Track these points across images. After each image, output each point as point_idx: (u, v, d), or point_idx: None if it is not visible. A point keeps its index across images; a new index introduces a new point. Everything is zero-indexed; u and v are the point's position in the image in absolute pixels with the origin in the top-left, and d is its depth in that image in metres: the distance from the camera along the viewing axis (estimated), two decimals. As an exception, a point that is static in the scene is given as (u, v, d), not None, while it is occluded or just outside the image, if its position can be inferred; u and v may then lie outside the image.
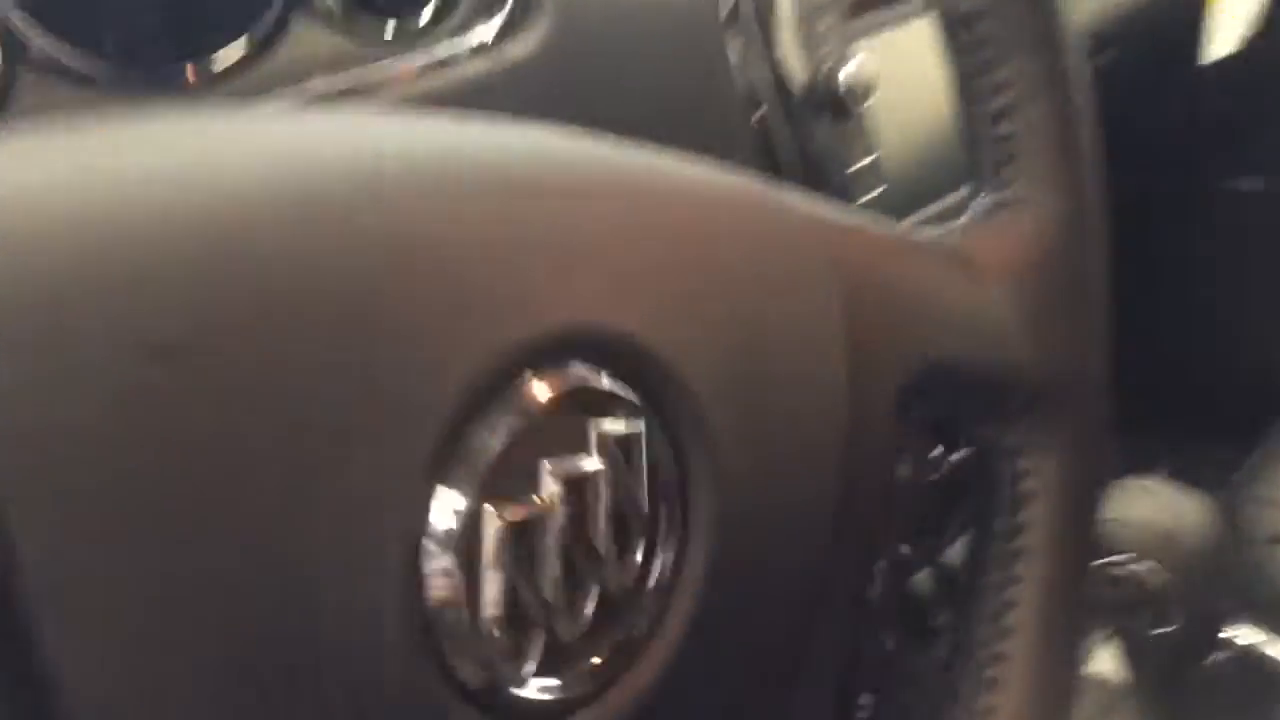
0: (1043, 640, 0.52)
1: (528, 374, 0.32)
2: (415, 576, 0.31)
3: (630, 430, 0.35)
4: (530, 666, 0.33)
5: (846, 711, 0.51)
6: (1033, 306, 0.50)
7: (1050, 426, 0.51)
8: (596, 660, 0.35)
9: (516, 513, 0.32)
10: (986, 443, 0.53)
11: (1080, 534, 0.53)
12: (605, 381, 0.34)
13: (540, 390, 0.33)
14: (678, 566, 0.36)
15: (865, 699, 0.52)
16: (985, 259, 0.50)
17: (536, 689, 0.34)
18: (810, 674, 0.44)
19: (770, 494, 0.39)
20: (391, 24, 0.51)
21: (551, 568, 0.33)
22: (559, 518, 0.33)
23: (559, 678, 0.34)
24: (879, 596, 0.52)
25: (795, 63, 0.61)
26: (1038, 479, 0.51)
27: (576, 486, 0.34)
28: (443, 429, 0.31)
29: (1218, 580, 0.92)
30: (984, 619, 0.52)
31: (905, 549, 0.53)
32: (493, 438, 0.32)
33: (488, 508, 0.32)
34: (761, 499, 0.38)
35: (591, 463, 0.34)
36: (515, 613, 0.33)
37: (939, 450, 0.63)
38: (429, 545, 0.31)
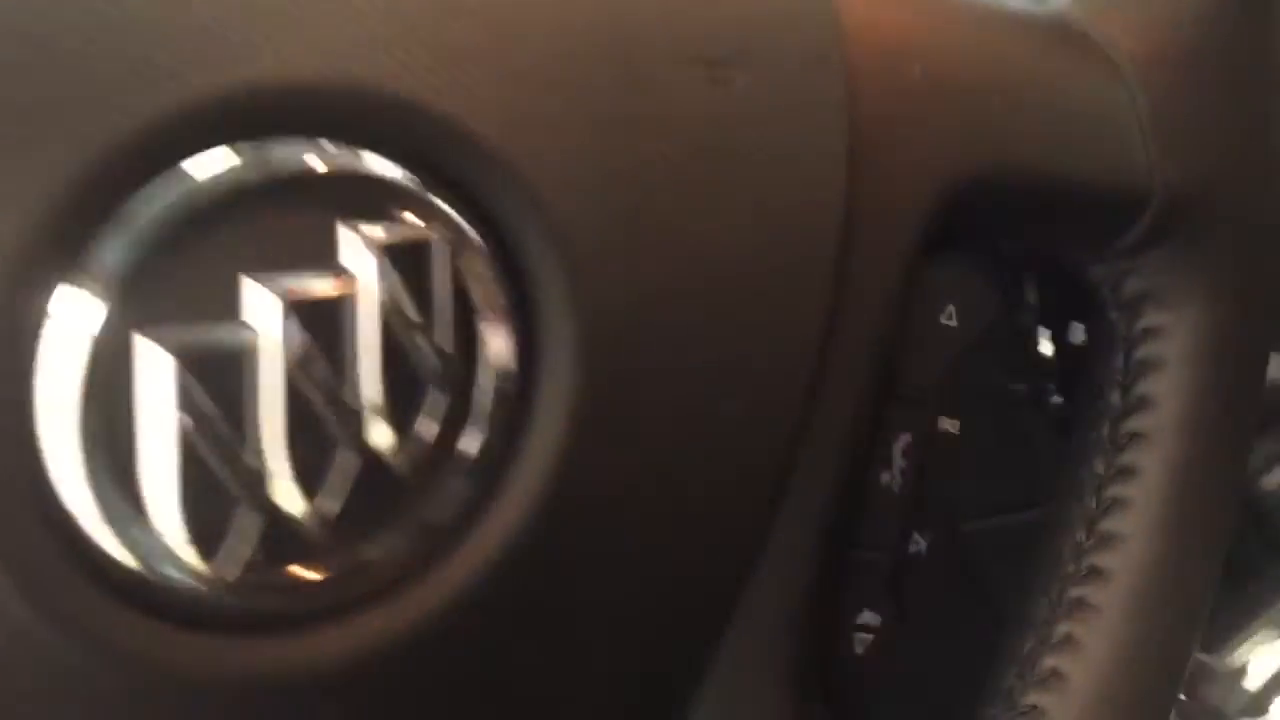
0: (1158, 564, 0.39)
1: (233, 147, 0.25)
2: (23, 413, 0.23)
3: (413, 237, 0.27)
4: (234, 555, 0.26)
5: (831, 636, 0.39)
6: (1168, 95, 0.39)
7: (1186, 268, 0.38)
8: (363, 555, 0.27)
9: (194, 340, 0.25)
10: (1092, 288, 0.40)
11: (1227, 419, 0.42)
12: (372, 164, 0.26)
13: (250, 168, 0.25)
14: (512, 440, 0.29)
15: (869, 617, 0.39)
16: (1104, 30, 0.39)
17: (239, 587, 0.26)
18: (761, 596, 0.35)
19: (687, 355, 0.31)
20: None
21: (266, 421, 0.26)
22: (275, 350, 0.25)
23: (281, 575, 0.27)
24: (900, 483, 0.39)
25: None
26: (1166, 340, 0.38)
27: (310, 311, 0.26)
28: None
29: None
30: (1075, 524, 0.39)
31: (949, 423, 0.39)
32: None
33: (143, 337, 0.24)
34: (671, 362, 0.31)
35: (339, 282, 0.26)
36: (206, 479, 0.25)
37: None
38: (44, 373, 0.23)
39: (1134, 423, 0.42)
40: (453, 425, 0.29)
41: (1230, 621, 0.80)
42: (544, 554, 0.30)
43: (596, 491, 0.31)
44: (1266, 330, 0.42)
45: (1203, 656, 0.79)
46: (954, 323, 0.39)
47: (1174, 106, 0.39)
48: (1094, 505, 0.42)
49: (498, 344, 0.29)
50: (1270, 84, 0.41)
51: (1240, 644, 0.80)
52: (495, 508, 0.30)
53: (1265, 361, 0.43)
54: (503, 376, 0.29)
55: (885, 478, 0.38)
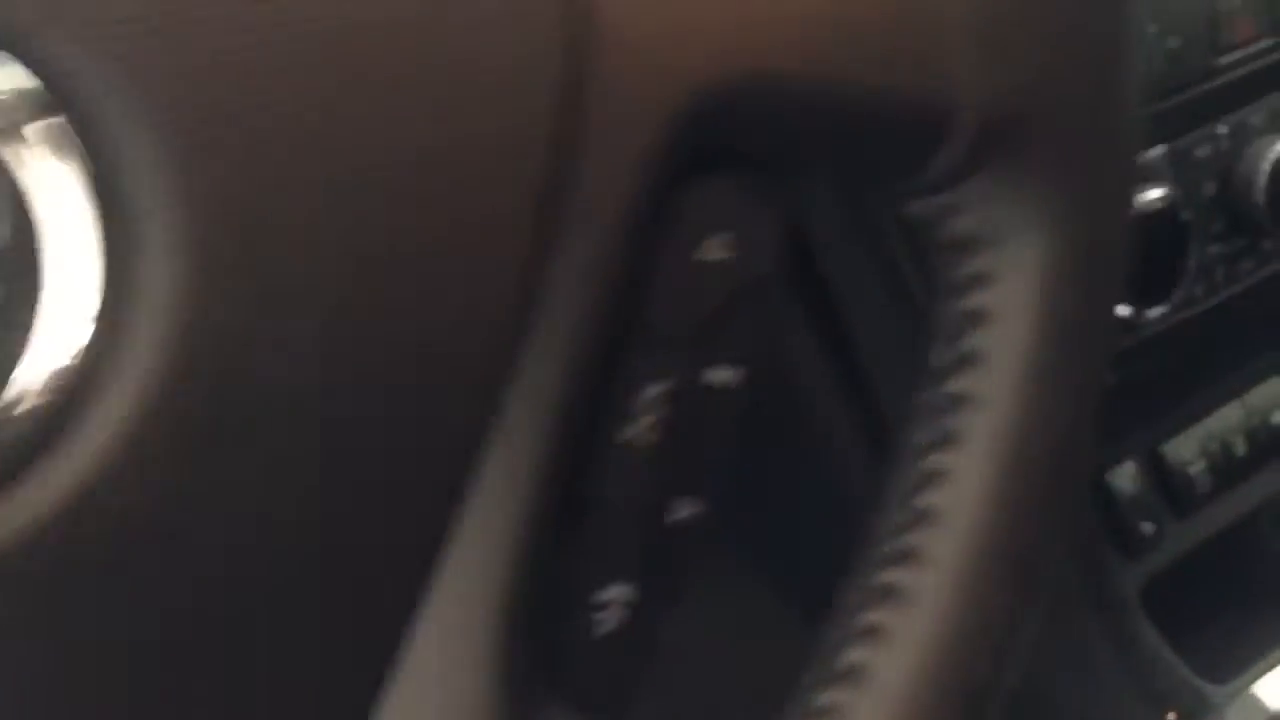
0: (983, 549, 0.34)
1: None
2: None
3: None
4: None
5: (569, 612, 0.34)
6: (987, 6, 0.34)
7: (1012, 200, 0.33)
8: None
9: None
10: (916, 228, 0.35)
11: (1067, 379, 0.37)
12: None
13: None
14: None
15: (617, 591, 0.34)
16: None
17: None
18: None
19: (344, 267, 0.28)
20: None
21: None
22: None
23: None
24: (651, 439, 0.34)
25: None
26: (995, 287, 0.33)
27: None
28: None
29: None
30: (891, 499, 0.34)
31: (723, 375, 0.34)
32: None
33: None
34: (320, 279, 0.27)
35: None
36: None
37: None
38: None
39: (958, 383, 0.36)
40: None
41: (1246, 651, 0.73)
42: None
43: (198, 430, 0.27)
44: (1111, 272, 0.36)
45: (1210, 688, 0.72)
46: (722, 257, 0.34)
47: (988, 11, 0.34)
48: (912, 477, 0.37)
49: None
50: None
51: (1260, 674, 0.73)
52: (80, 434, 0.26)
53: (1111, 308, 0.37)
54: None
55: (630, 432, 0.33)
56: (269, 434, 0.28)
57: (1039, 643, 0.40)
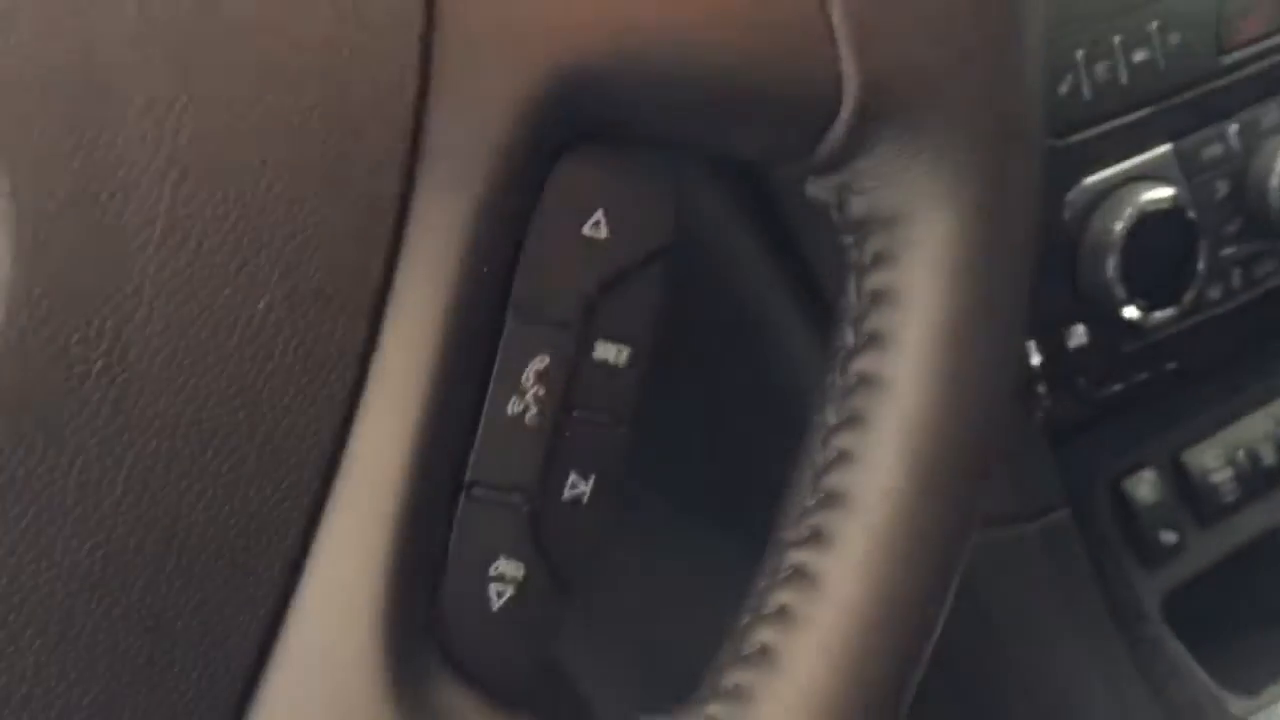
0: (889, 530, 0.34)
1: None
2: None
3: None
4: None
5: (456, 587, 0.34)
6: None
7: (907, 177, 0.33)
8: None
9: None
10: (820, 209, 0.35)
11: (974, 359, 0.36)
12: None
13: None
14: None
15: (506, 566, 0.34)
16: None
17: None
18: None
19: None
20: None
21: None
22: None
23: None
24: (535, 414, 0.34)
25: None
26: (897, 265, 0.33)
27: None
28: None
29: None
30: (803, 480, 0.34)
31: (611, 350, 0.34)
32: None
33: None
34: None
35: None
36: None
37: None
38: None
39: (864, 363, 0.36)
40: None
41: (1272, 664, 0.71)
42: None
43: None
44: (1015, 248, 0.36)
45: (1235, 702, 0.70)
46: (603, 234, 0.34)
47: None
48: (820, 458, 0.36)
49: None
50: None
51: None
52: None
53: (1019, 286, 0.36)
54: None
55: (514, 406, 0.34)
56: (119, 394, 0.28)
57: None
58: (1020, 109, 0.35)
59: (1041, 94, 0.36)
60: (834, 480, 0.36)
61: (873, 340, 0.35)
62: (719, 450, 0.66)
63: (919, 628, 0.35)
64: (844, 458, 0.35)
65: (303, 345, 0.30)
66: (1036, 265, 0.37)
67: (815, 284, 0.57)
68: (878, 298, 0.35)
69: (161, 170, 0.29)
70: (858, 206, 0.35)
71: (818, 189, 0.36)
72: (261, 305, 0.30)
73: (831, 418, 0.36)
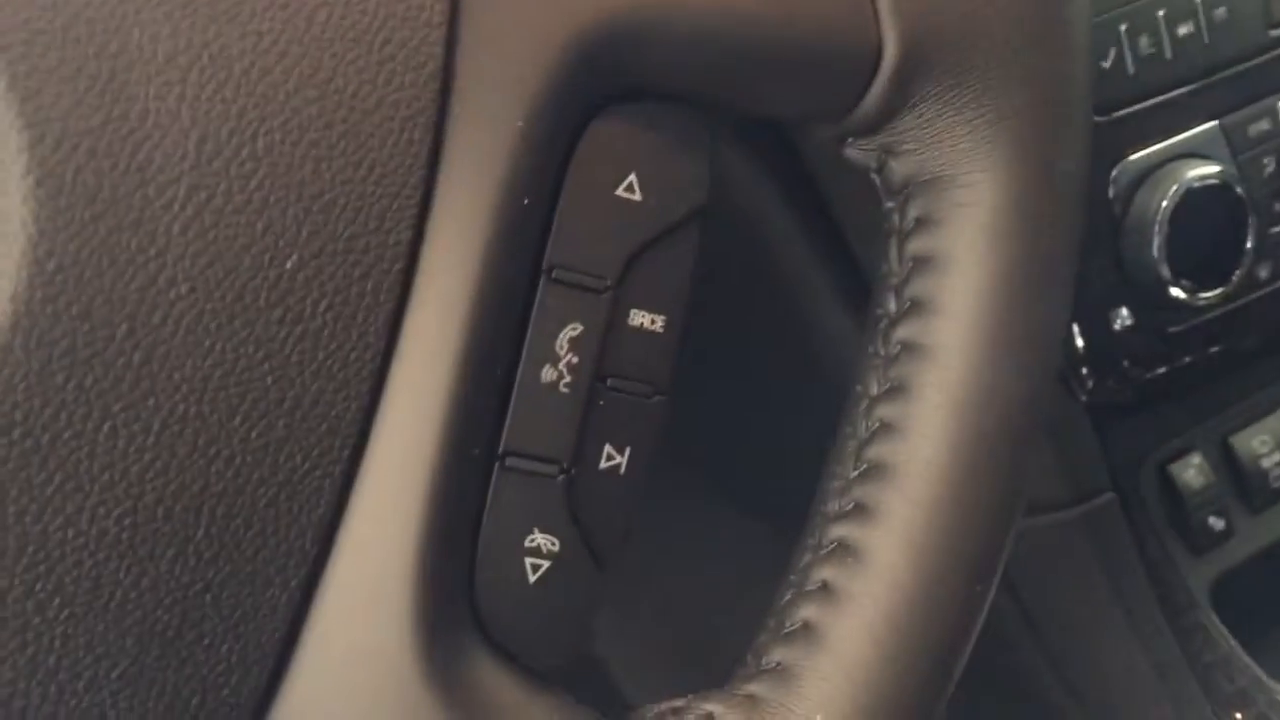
0: (934, 503, 0.33)
1: None
2: None
3: None
4: None
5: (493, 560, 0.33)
6: None
7: (949, 137, 0.32)
8: None
9: None
10: (860, 173, 0.34)
11: (1021, 325, 0.35)
12: None
13: None
14: None
15: (540, 539, 0.34)
16: None
17: None
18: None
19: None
20: None
21: None
22: None
23: None
24: (569, 382, 0.33)
25: None
26: (940, 229, 0.32)
27: None
28: None
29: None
30: (844, 452, 0.34)
31: (647, 318, 0.33)
32: None
33: None
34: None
35: None
36: None
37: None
38: None
39: (906, 330, 0.35)
40: None
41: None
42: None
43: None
44: (1066, 209, 0.35)
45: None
46: (636, 195, 0.33)
47: None
48: (863, 429, 0.35)
49: None
50: None
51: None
52: None
53: (1069, 249, 0.35)
54: None
55: (548, 374, 0.33)
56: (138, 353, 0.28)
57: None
58: (1069, 65, 0.34)
59: (1090, 52, 0.34)
60: (877, 451, 0.35)
61: (916, 306, 0.34)
62: (748, 423, 0.65)
63: (966, 604, 0.34)
64: (887, 428, 0.34)
65: (331, 308, 0.30)
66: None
67: (847, 251, 0.56)
68: (921, 263, 0.34)
69: (185, 127, 0.28)
70: (899, 169, 0.34)
71: (856, 152, 0.35)
72: (289, 265, 0.29)
73: (874, 387, 0.35)
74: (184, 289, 0.28)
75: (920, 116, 0.33)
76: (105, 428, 0.28)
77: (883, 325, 0.35)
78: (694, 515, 0.67)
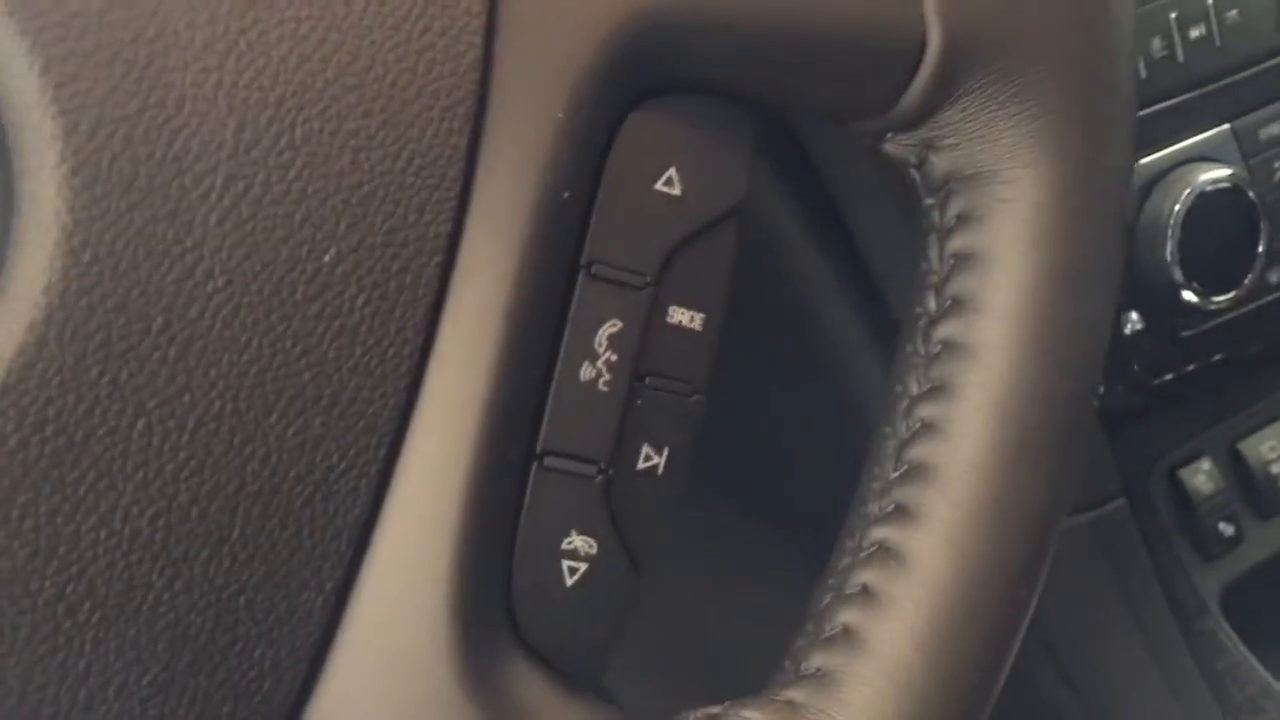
0: (977, 505, 0.32)
1: None
2: None
3: None
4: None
5: (532, 563, 0.32)
6: None
7: (992, 132, 0.32)
8: None
9: None
10: (899, 169, 0.34)
11: (1065, 323, 0.34)
12: None
13: None
14: None
15: (579, 542, 0.33)
16: None
17: None
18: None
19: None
20: None
21: None
22: None
23: None
24: (608, 380, 0.33)
25: None
26: (982, 226, 0.32)
27: None
28: None
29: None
30: (884, 454, 0.33)
31: (685, 315, 0.33)
32: None
33: None
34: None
35: None
36: None
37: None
38: None
39: (948, 329, 0.34)
40: None
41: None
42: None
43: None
44: (1113, 201, 0.34)
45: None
46: (676, 190, 0.32)
47: None
48: (903, 430, 0.35)
49: None
50: None
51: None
52: None
53: (1113, 247, 0.34)
54: None
55: (586, 372, 0.32)
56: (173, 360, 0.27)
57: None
58: (1113, 63, 0.33)
59: (1134, 51, 0.34)
60: (918, 452, 0.34)
61: (957, 305, 0.34)
62: (751, 423, 0.64)
63: (1011, 609, 0.34)
64: (929, 429, 0.34)
65: (369, 302, 0.29)
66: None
67: (854, 252, 0.56)
68: (962, 260, 0.34)
69: (221, 116, 0.27)
70: (940, 164, 0.34)
71: (896, 147, 0.34)
72: (327, 258, 0.28)
73: (914, 387, 0.35)
74: (220, 282, 0.27)
75: (963, 111, 0.33)
76: (140, 424, 0.27)
77: (923, 324, 0.35)
78: (705, 524, 0.67)
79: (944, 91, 0.32)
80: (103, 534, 0.27)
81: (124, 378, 0.27)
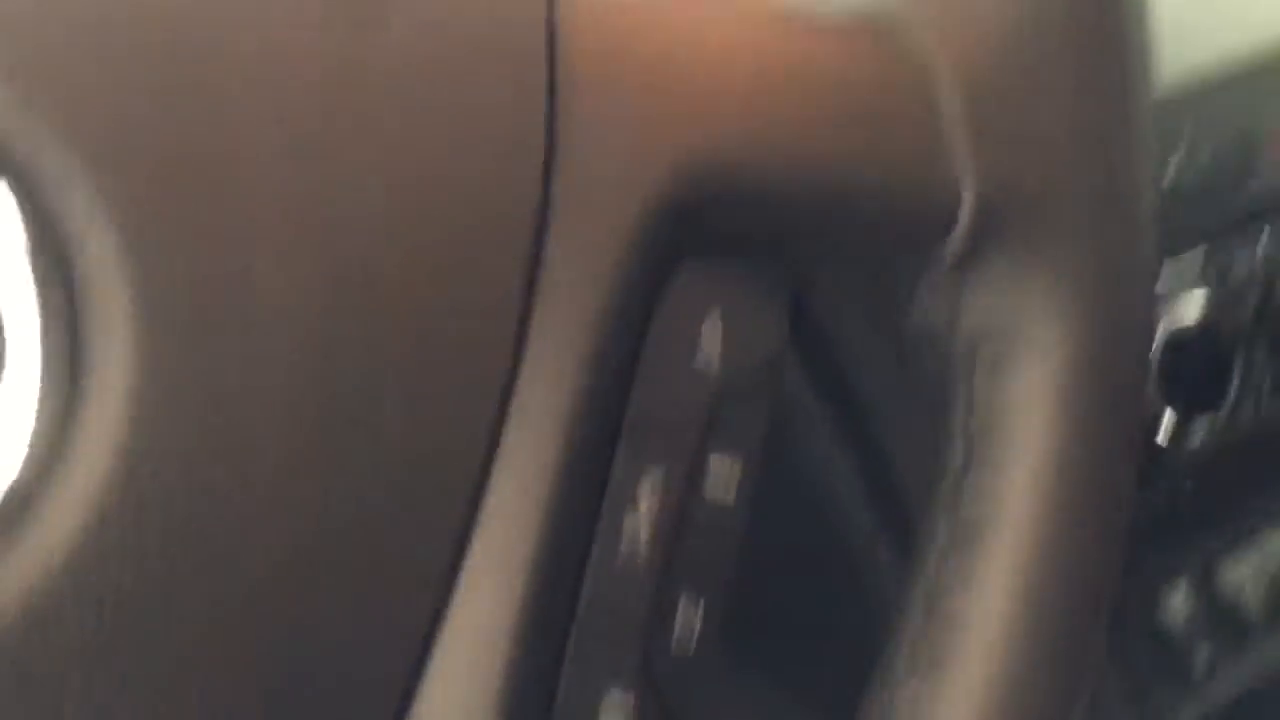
0: (1006, 669, 0.32)
1: None
2: None
3: None
4: None
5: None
6: (985, 95, 0.33)
7: (1023, 291, 0.32)
8: None
9: None
10: (915, 331, 0.34)
11: (1093, 478, 0.35)
12: None
13: None
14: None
15: (618, 697, 0.32)
16: (923, 29, 0.33)
17: None
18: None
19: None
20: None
21: None
22: None
23: None
24: (649, 538, 0.32)
25: None
26: (1010, 380, 0.32)
27: None
28: None
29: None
30: (914, 609, 0.33)
31: (727, 462, 0.33)
32: None
33: None
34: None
35: None
36: None
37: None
38: None
39: (977, 478, 0.34)
40: None
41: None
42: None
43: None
44: (1131, 364, 0.35)
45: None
46: (718, 349, 0.32)
47: (991, 108, 0.33)
48: (935, 579, 0.35)
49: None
50: (1121, 85, 0.34)
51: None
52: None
53: (1134, 403, 0.35)
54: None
55: (629, 525, 0.32)
56: (229, 537, 0.26)
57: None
58: (1139, 229, 0.34)
59: (1156, 215, 0.35)
60: (950, 603, 0.34)
61: (986, 457, 0.34)
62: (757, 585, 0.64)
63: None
64: (960, 580, 0.34)
65: (423, 457, 0.29)
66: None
67: (863, 424, 0.56)
68: (991, 411, 0.34)
69: (294, 277, 0.27)
70: (968, 319, 0.34)
71: (927, 313, 0.35)
72: (385, 416, 0.28)
73: (944, 535, 0.35)
74: (283, 427, 0.27)
75: (989, 273, 0.33)
76: (194, 602, 0.26)
77: (952, 473, 0.35)
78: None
79: (973, 257, 0.33)
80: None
81: (180, 552, 0.26)
